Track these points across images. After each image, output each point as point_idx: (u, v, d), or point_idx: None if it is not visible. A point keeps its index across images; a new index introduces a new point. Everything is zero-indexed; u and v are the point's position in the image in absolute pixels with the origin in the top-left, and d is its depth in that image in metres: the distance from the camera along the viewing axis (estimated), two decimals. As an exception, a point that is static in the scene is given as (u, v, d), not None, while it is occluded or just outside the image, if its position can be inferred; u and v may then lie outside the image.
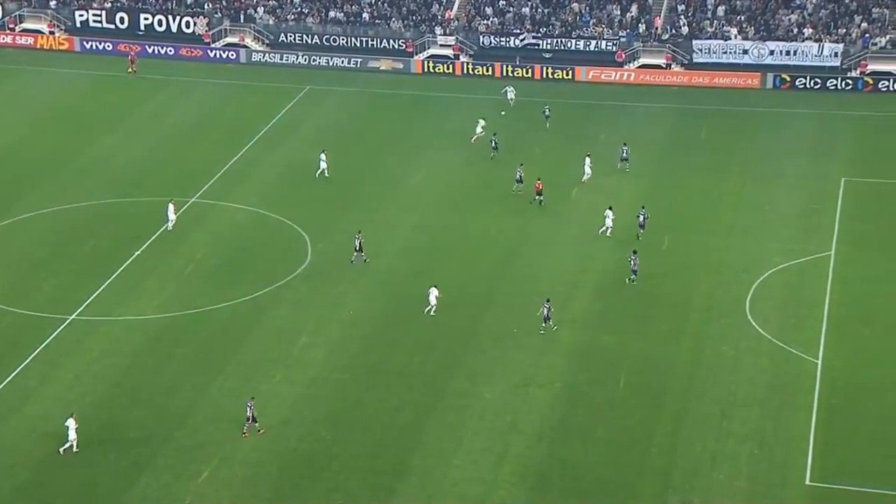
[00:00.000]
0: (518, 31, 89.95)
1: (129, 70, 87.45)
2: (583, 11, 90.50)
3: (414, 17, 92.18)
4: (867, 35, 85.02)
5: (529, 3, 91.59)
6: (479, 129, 73.54)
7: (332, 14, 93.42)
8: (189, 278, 58.32)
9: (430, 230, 62.90)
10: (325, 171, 68.87)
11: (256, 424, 46.23)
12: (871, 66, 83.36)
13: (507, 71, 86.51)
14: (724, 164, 70.73)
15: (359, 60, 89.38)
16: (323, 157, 69.21)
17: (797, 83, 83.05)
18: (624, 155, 68.73)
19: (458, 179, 68.97)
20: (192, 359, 51.58)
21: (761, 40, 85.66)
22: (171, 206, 62.64)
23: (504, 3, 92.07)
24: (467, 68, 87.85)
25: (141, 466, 44.68)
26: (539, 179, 64.88)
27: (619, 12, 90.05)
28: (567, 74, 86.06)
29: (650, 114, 77.75)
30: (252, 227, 63.36)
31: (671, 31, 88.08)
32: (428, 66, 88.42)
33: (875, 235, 61.29)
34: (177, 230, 62.61)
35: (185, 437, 46.17)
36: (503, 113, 77.54)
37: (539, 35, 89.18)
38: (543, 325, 52.67)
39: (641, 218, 60.39)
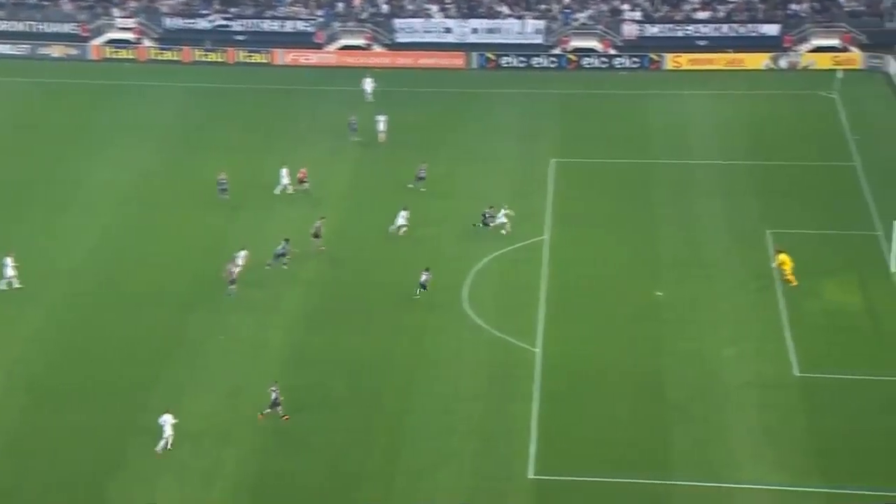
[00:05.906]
0: (206, 11, 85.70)
1: None
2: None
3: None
4: (568, 10, 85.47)
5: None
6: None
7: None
8: None
9: (121, 232, 59.21)
10: (288, 188, 61.94)
11: (279, 409, 44.72)
12: (574, 43, 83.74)
13: (197, 55, 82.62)
14: (433, 148, 68.94)
15: (27, 47, 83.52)
16: (284, 172, 62.05)
17: (502, 62, 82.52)
18: (421, 174, 63.93)
19: (149, 176, 64.92)
20: None
21: (464, 18, 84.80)
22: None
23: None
24: (151, 53, 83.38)
25: None
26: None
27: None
28: (264, 58, 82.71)
29: (355, 99, 75.44)
30: None
31: (370, 9, 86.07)
32: (106, 52, 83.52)
33: (586, 216, 61.20)
34: None
35: None
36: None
37: (230, 16, 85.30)
38: (419, 290, 52.38)
39: (486, 216, 58.42)
